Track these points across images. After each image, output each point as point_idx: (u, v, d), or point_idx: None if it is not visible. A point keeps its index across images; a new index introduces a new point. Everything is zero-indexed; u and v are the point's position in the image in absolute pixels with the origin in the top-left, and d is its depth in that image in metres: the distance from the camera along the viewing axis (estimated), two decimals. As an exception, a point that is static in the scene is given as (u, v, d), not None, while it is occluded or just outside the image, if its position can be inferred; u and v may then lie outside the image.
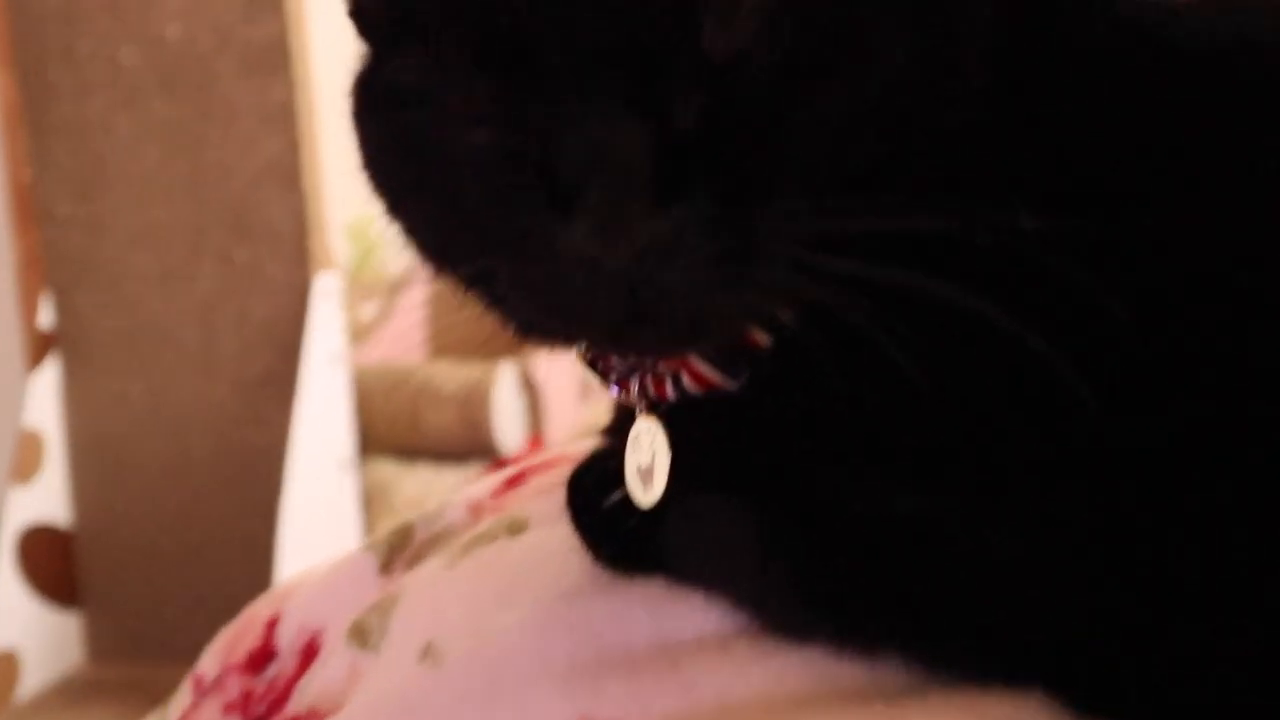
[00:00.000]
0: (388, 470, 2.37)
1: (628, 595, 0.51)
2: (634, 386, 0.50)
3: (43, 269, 1.94)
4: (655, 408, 0.50)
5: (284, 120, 1.82)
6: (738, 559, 0.48)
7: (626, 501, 0.52)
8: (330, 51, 2.14)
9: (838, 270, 0.40)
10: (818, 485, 0.45)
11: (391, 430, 2.39)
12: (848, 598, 0.45)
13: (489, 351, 3.19)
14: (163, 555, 1.94)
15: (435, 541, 0.68)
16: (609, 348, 0.49)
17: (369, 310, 3.02)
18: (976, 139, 0.43)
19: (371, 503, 2.17)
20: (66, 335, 1.94)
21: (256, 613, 0.68)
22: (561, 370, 2.91)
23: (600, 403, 2.15)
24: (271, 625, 0.67)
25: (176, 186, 1.87)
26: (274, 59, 1.80)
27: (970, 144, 0.43)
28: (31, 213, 1.92)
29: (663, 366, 0.48)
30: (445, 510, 0.71)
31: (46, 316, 1.93)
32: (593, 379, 0.53)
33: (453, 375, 2.48)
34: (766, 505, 0.46)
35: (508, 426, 2.37)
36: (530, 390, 2.46)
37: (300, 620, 0.67)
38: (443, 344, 3.06)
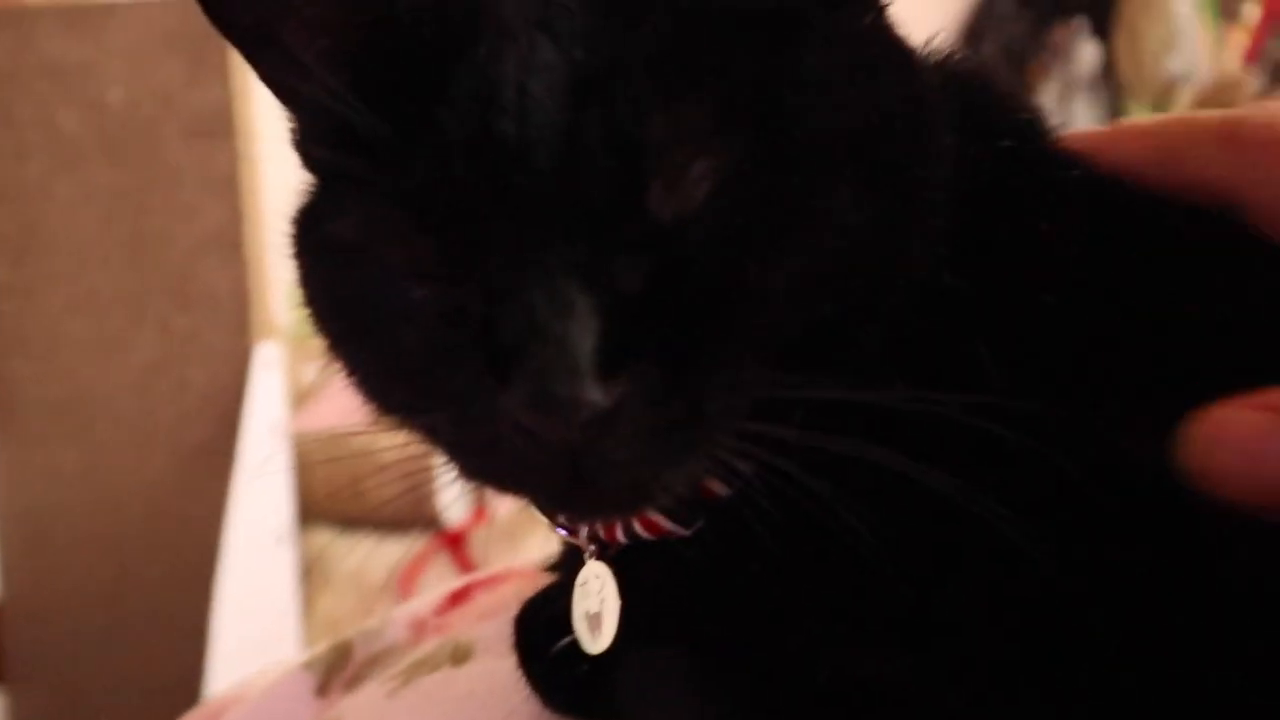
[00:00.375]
0: (328, 540, 2.33)
1: (577, 741, 0.49)
2: (583, 531, 0.49)
3: (-26, 335, 1.89)
4: (605, 551, 0.48)
5: (227, 187, 1.80)
6: (691, 711, 0.46)
7: (575, 646, 0.50)
8: (275, 118, 2.12)
9: (785, 438, 0.39)
10: (770, 641, 0.44)
11: (332, 499, 2.35)
12: None
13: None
14: (92, 631, 1.88)
15: (375, 661, 0.65)
16: (553, 510, 0.47)
17: (310, 373, 2.98)
18: (932, 303, 0.42)
19: (311, 573, 2.12)
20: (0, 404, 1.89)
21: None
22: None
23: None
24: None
25: (115, 253, 1.84)
26: (218, 125, 1.78)
27: (925, 307, 0.42)
28: (-36, 279, 1.87)
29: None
30: (386, 627, 0.68)
31: (-23, 384, 1.88)
32: (540, 518, 0.51)
33: (394, 442, 2.43)
34: (716, 659, 0.45)
35: (452, 497, 2.33)
36: (475, 457, 2.43)
37: (233, 743, 0.64)
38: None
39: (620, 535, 0.48)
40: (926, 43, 0.49)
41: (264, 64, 0.47)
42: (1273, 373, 0.40)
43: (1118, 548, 0.39)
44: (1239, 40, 2.88)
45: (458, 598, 0.69)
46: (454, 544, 2.22)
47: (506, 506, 2.35)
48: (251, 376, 1.84)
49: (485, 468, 0.42)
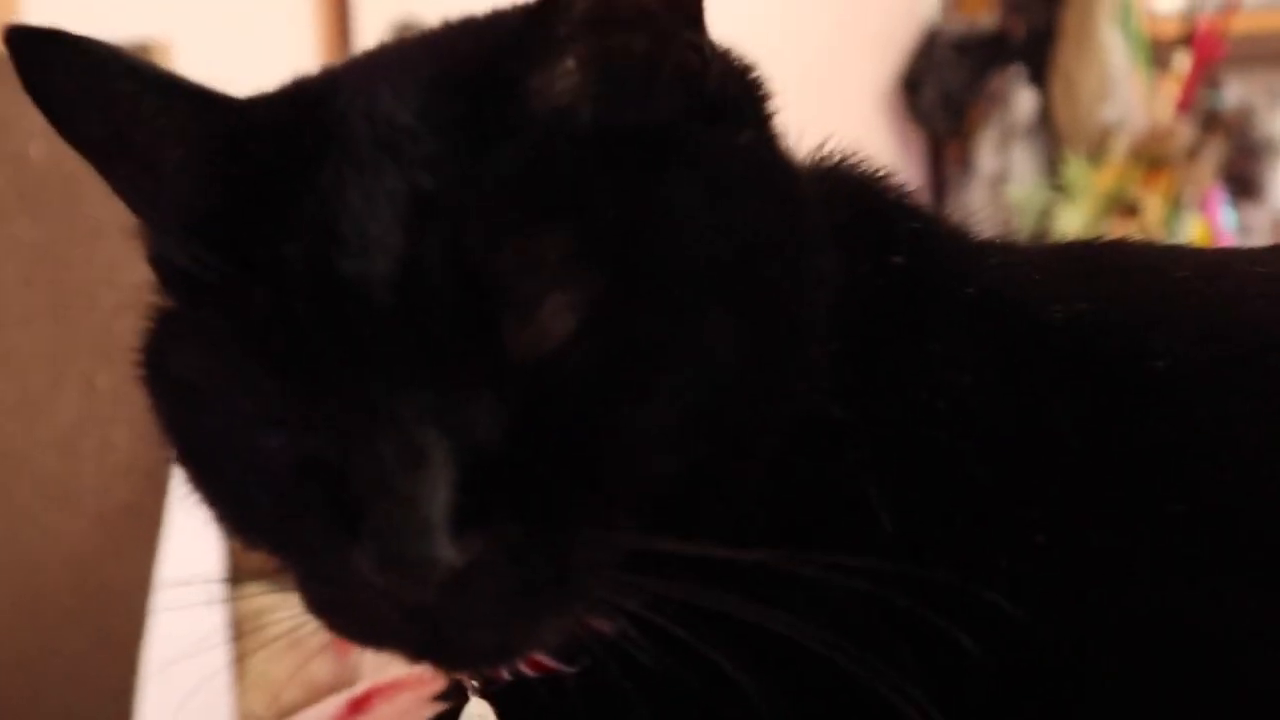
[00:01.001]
0: (262, 598, 2.29)
1: None
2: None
3: (-110, 395, 1.84)
4: (489, 685, 0.47)
5: (152, 242, 1.77)
6: None
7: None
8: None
9: (657, 591, 0.38)
10: None
11: (263, 556, 2.31)
12: None
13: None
14: (11, 702, 1.83)
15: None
16: (414, 663, 0.46)
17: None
18: (817, 439, 0.41)
19: (243, 632, 2.08)
20: (-86, 465, 1.84)
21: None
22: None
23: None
24: None
25: (37, 310, 1.80)
26: (142, 181, 1.75)
27: (809, 445, 0.41)
28: (-122, 337, 1.82)
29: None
30: (288, 733, 0.66)
31: (-108, 445, 1.83)
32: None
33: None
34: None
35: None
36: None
37: None
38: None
39: (504, 673, 0.46)
40: (817, 149, 0.48)
41: (114, 178, 0.46)
42: (1170, 506, 0.39)
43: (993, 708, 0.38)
44: (1170, 90, 2.93)
45: (358, 705, 0.67)
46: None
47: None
48: (178, 435, 1.80)
49: (344, 625, 0.40)
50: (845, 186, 0.49)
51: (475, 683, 0.48)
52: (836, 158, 0.50)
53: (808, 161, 0.49)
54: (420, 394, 0.38)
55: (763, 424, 0.42)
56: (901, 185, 0.50)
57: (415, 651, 0.41)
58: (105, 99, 0.45)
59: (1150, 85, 2.98)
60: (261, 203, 0.41)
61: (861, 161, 0.51)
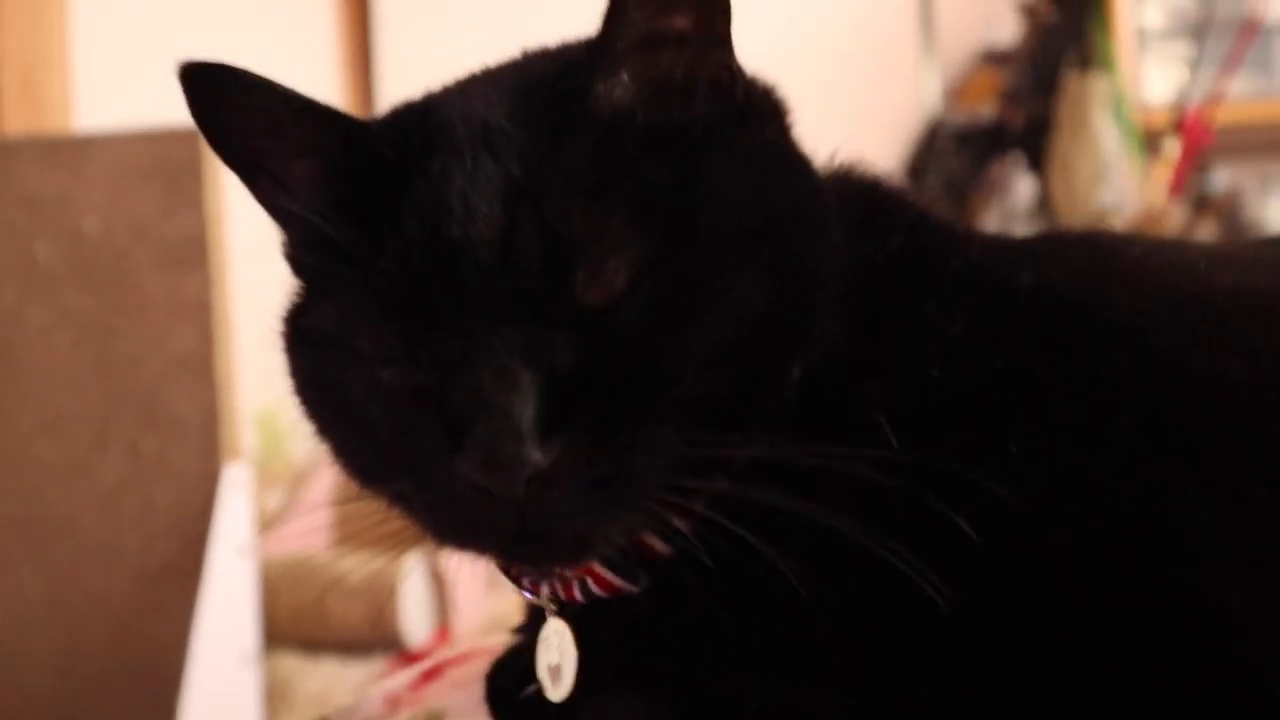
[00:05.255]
0: (291, 664, 2.32)
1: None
2: (544, 590, 0.54)
3: (-59, 459, 1.91)
4: (564, 610, 0.54)
5: (197, 312, 1.84)
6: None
7: (541, 695, 0.54)
8: (246, 248, 2.19)
9: (706, 490, 0.45)
10: (714, 682, 0.49)
11: (296, 622, 2.34)
12: None
13: (396, 543, 3.15)
14: (51, 757, 1.86)
15: (354, 733, 0.69)
16: (507, 562, 0.53)
17: (274, 500, 2.99)
18: (833, 374, 0.49)
19: (274, 698, 2.11)
20: (-39, 526, 1.90)
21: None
22: (468, 561, 2.88)
23: (508, 596, 2.14)
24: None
25: (85, 376, 1.87)
26: (191, 254, 1.83)
27: (827, 378, 0.49)
28: (-66, 401, 1.90)
29: (570, 573, 0.52)
30: (362, 703, 0.72)
31: (-58, 507, 1.89)
32: (506, 582, 0.56)
33: (359, 567, 2.44)
34: (665, 701, 0.50)
35: (415, 619, 2.34)
36: (438, 582, 2.44)
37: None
38: (348, 535, 3.02)
39: (577, 594, 0.53)
40: (831, 158, 0.57)
41: (257, 186, 0.55)
42: (1123, 422, 0.46)
43: (1002, 588, 0.45)
44: (1162, 175, 3.04)
45: (430, 675, 0.73)
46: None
47: (467, 624, 2.36)
48: (219, 498, 1.86)
49: (447, 527, 0.48)
50: (854, 185, 0.58)
51: (553, 605, 0.55)
52: (847, 166, 0.59)
53: (824, 169, 0.58)
54: (511, 331, 0.46)
55: (788, 357, 0.50)
56: (900, 186, 0.59)
57: (505, 551, 0.48)
58: (254, 118, 0.53)
59: (1143, 171, 3.09)
60: (384, 188, 0.49)
61: (868, 168, 0.60)
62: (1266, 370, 0.48)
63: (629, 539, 0.49)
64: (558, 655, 0.54)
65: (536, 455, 0.44)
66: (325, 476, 3.26)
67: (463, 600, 2.44)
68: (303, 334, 0.54)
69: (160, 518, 1.87)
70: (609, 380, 0.46)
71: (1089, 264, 0.55)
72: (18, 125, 2.27)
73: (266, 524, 2.35)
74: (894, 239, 0.54)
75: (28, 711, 1.90)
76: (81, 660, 1.88)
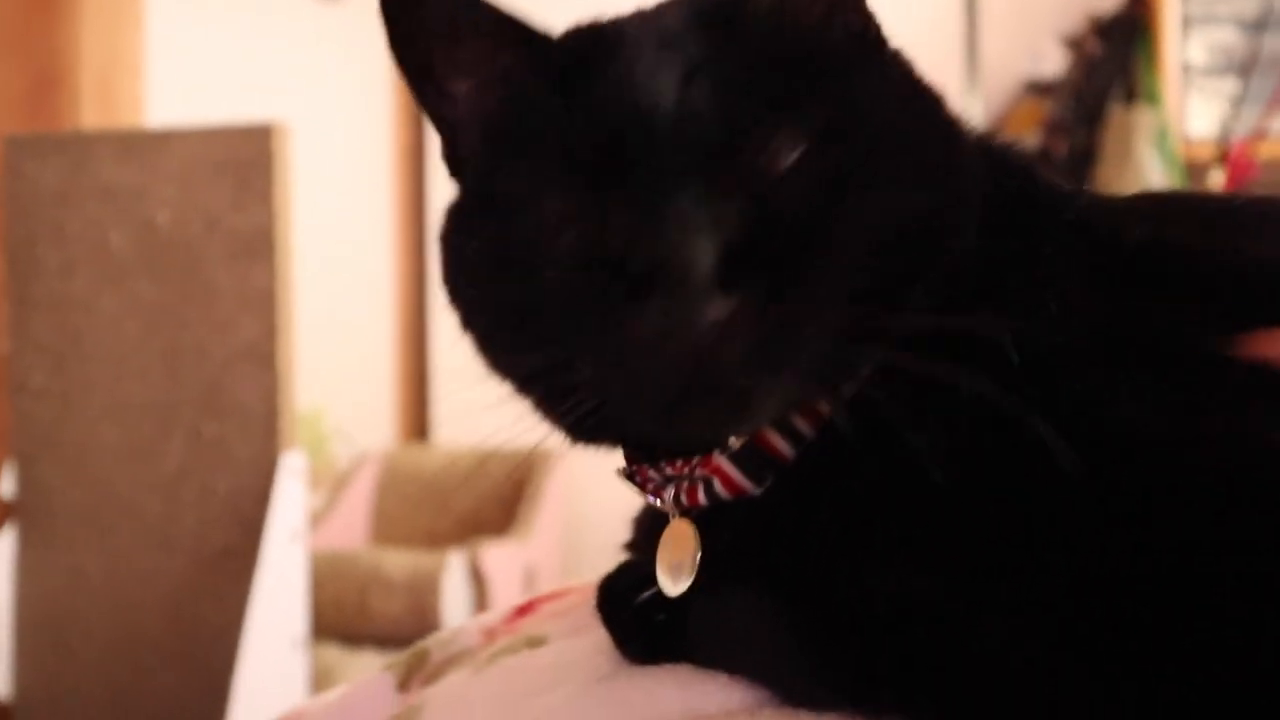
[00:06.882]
0: (333, 656, 2.36)
1: (657, 675, 0.56)
2: (668, 495, 0.58)
3: (8, 439, 1.97)
4: (686, 514, 0.57)
5: (263, 304, 1.90)
6: (760, 641, 0.54)
7: (652, 602, 0.58)
8: (310, 240, 2.25)
9: (864, 356, 0.49)
10: (831, 574, 0.52)
11: (338, 616, 2.39)
12: (860, 671, 0.51)
13: (435, 542, 3.22)
14: (106, 732, 1.91)
15: (452, 661, 0.73)
16: (663, 430, 0.55)
17: (317, 501, 3.04)
18: (965, 274, 0.53)
19: (316, 688, 2.15)
20: (26, 506, 1.95)
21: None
22: (508, 558, 2.94)
23: (544, 590, 2.19)
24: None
25: (152, 363, 1.93)
26: (259, 246, 1.89)
27: (961, 276, 0.53)
28: (5, 383, 1.96)
29: (699, 471, 0.56)
30: (459, 635, 0.75)
31: (8, 486, 1.95)
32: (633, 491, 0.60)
33: (401, 563, 2.49)
34: (785, 593, 0.53)
35: (455, 615, 2.38)
36: (478, 579, 2.49)
37: (318, 734, 0.70)
38: (388, 535, 3.07)
39: (701, 497, 0.56)
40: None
41: (425, 94, 0.59)
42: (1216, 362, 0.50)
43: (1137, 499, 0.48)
44: (1207, 203, 3.06)
45: (524, 610, 0.76)
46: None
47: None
48: (276, 485, 1.90)
49: (613, 383, 0.50)
50: (968, 130, 0.62)
51: (676, 509, 0.58)
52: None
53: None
54: (691, 193, 0.50)
55: (936, 257, 0.54)
56: (1006, 140, 0.63)
57: (668, 408, 0.50)
58: (449, 25, 0.58)
59: (1186, 202, 3.11)
60: (575, 76, 0.54)
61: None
62: None
63: (793, 403, 0.52)
64: (680, 553, 0.58)
65: (715, 305, 0.48)
66: (365, 478, 3.31)
67: (501, 597, 2.48)
68: (471, 210, 0.58)
69: (218, 503, 1.92)
70: (777, 248, 0.50)
71: (1186, 221, 0.59)
72: (94, 122, 2.34)
73: (311, 523, 2.39)
74: (1009, 182, 0.58)
75: (85, 689, 1.94)
76: (137, 641, 1.92)
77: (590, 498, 2.99)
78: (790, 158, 0.52)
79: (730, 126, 0.51)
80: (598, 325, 0.50)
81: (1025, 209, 0.57)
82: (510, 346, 0.57)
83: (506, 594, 2.49)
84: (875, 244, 0.52)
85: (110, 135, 2.10)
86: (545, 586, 0.84)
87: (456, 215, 0.59)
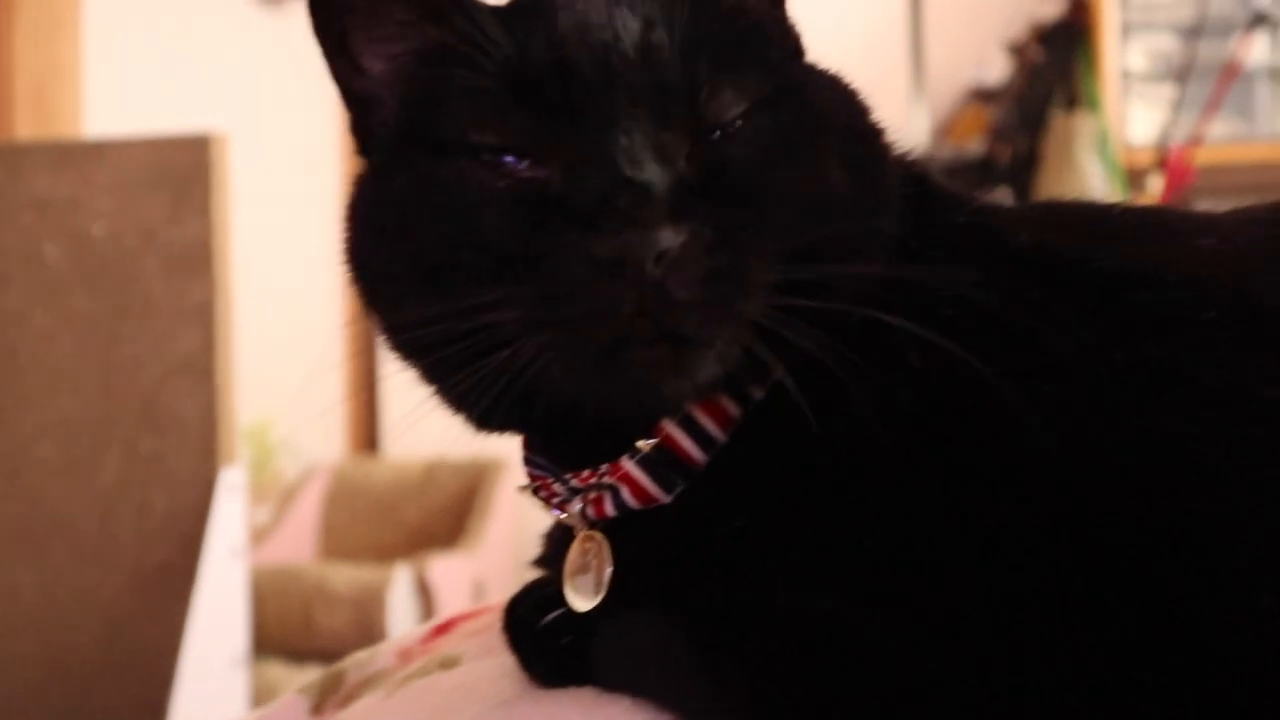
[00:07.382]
0: (277, 673, 2.33)
1: (560, 699, 0.56)
2: (574, 508, 0.57)
3: (-60, 457, 1.93)
4: (594, 527, 0.57)
5: (201, 317, 1.87)
6: (664, 664, 0.53)
7: (559, 623, 0.57)
8: (254, 251, 2.22)
9: (800, 306, 0.49)
10: (738, 593, 0.52)
11: (283, 631, 2.36)
12: (764, 697, 0.50)
13: (384, 556, 3.19)
14: (42, 754, 1.87)
15: (368, 683, 0.72)
16: (595, 384, 0.52)
17: (263, 515, 3.01)
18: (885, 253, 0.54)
19: (259, 705, 2.13)
20: (-42, 524, 1.92)
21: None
22: (456, 571, 2.92)
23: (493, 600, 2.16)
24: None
25: (88, 378, 1.90)
26: (197, 258, 1.86)
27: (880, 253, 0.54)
28: (-64, 401, 1.92)
29: (606, 479, 0.55)
30: (376, 656, 0.75)
31: (-61, 505, 1.91)
32: (536, 506, 0.59)
33: (346, 577, 2.47)
34: (690, 612, 0.53)
35: (401, 629, 2.36)
36: (425, 592, 2.47)
37: (229, 759, 0.69)
38: (337, 549, 3.04)
39: (609, 508, 0.56)
40: None
41: (338, 68, 0.58)
42: (1112, 344, 0.51)
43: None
44: (1146, 208, 3.10)
45: (441, 629, 0.76)
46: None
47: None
48: (215, 501, 1.88)
49: (549, 325, 0.48)
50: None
51: (583, 523, 0.57)
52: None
53: None
54: (643, 128, 0.50)
55: (864, 233, 0.54)
56: (906, 149, 0.64)
57: (613, 357, 0.49)
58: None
59: (1127, 206, 3.16)
60: (525, 13, 0.54)
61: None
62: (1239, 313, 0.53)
63: (737, 347, 0.51)
64: (588, 569, 0.57)
65: (668, 233, 0.48)
66: (313, 491, 3.28)
67: (448, 610, 2.46)
68: (391, 171, 0.57)
69: (156, 519, 1.89)
70: (723, 192, 0.51)
71: (1077, 224, 0.60)
72: (28, 133, 2.31)
73: (255, 538, 2.37)
74: (905, 189, 0.60)
75: (19, 709, 1.91)
76: (74, 659, 1.89)
77: (540, 510, 2.97)
78: (734, 111, 0.53)
79: (685, 71, 0.52)
80: (539, 258, 0.49)
81: (921, 210, 0.58)
82: (433, 300, 0.53)
83: (454, 607, 2.47)
84: (807, 210, 0.53)
85: (44, 146, 2.07)
86: (495, 599, 0.83)
87: (367, 183, 0.59)
